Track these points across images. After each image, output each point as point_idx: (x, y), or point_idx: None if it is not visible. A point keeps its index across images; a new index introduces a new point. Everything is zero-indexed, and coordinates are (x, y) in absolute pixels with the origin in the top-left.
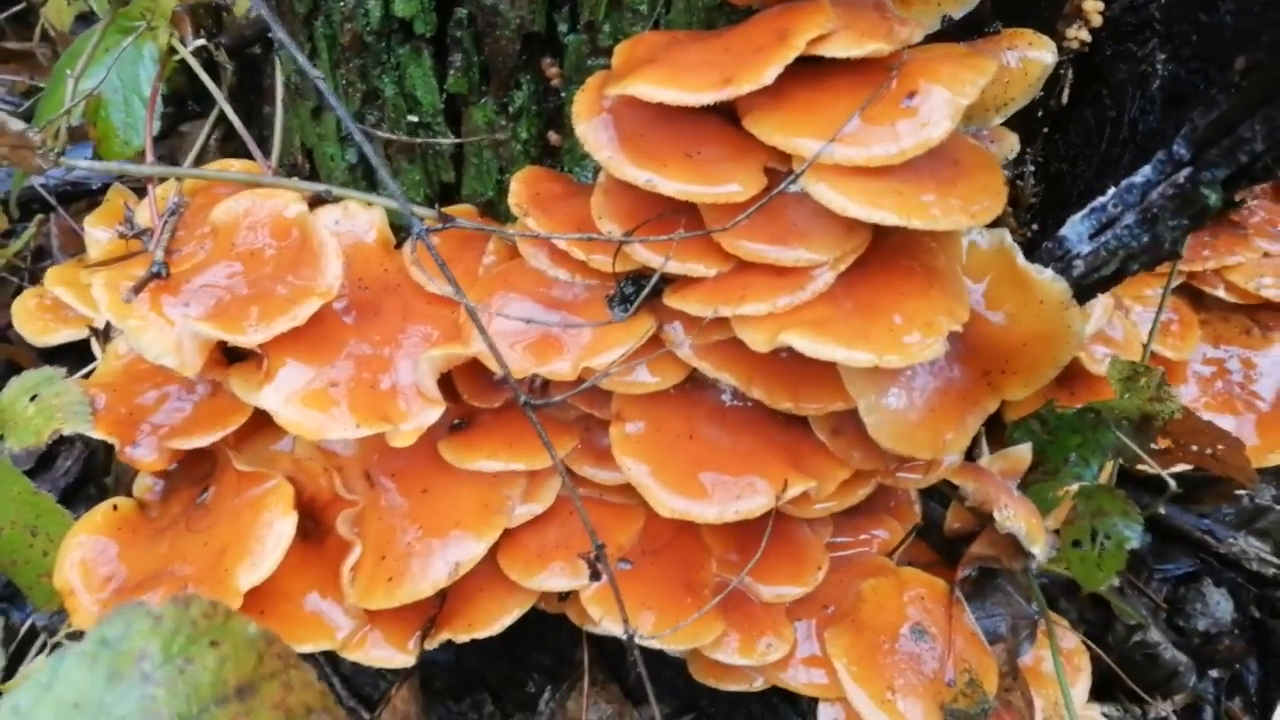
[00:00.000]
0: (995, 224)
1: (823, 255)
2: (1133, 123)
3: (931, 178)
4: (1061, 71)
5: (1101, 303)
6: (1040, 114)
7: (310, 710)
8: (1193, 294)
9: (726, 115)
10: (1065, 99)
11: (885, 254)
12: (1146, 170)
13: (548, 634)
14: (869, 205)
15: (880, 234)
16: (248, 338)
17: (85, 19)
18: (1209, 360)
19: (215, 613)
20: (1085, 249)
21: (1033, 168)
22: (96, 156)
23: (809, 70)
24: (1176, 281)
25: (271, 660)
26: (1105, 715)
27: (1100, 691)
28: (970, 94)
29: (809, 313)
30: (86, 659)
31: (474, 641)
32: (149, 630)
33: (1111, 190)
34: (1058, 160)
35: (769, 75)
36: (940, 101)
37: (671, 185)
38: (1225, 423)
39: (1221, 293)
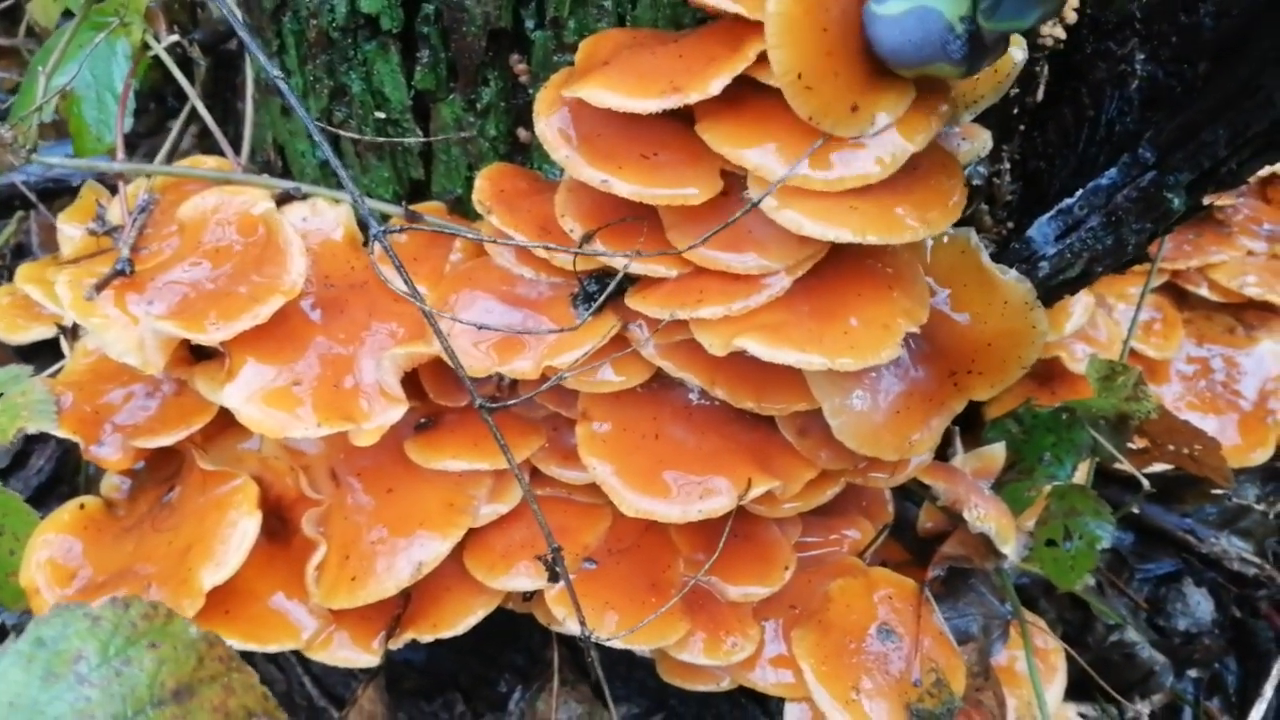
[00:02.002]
0: (970, 221)
1: (777, 263)
2: (1110, 123)
3: (889, 190)
4: (1037, 69)
5: (1083, 302)
6: (1016, 111)
7: (250, 714)
8: (1177, 293)
9: (686, 118)
10: (1041, 96)
11: (846, 255)
12: (1112, 173)
13: (521, 633)
14: (824, 223)
15: None
16: (209, 335)
17: (71, 15)
18: (1192, 359)
19: (155, 614)
20: (1051, 250)
21: (1009, 165)
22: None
23: (767, 84)
24: (1160, 280)
25: (212, 663)
26: (1081, 715)
27: (1079, 691)
28: (920, 142)
29: (765, 316)
30: (23, 659)
31: (446, 641)
32: (86, 631)
33: (1079, 192)
34: (1035, 158)
35: (715, 87)
36: (888, 143)
37: (627, 187)
38: (1208, 422)
39: (1205, 291)
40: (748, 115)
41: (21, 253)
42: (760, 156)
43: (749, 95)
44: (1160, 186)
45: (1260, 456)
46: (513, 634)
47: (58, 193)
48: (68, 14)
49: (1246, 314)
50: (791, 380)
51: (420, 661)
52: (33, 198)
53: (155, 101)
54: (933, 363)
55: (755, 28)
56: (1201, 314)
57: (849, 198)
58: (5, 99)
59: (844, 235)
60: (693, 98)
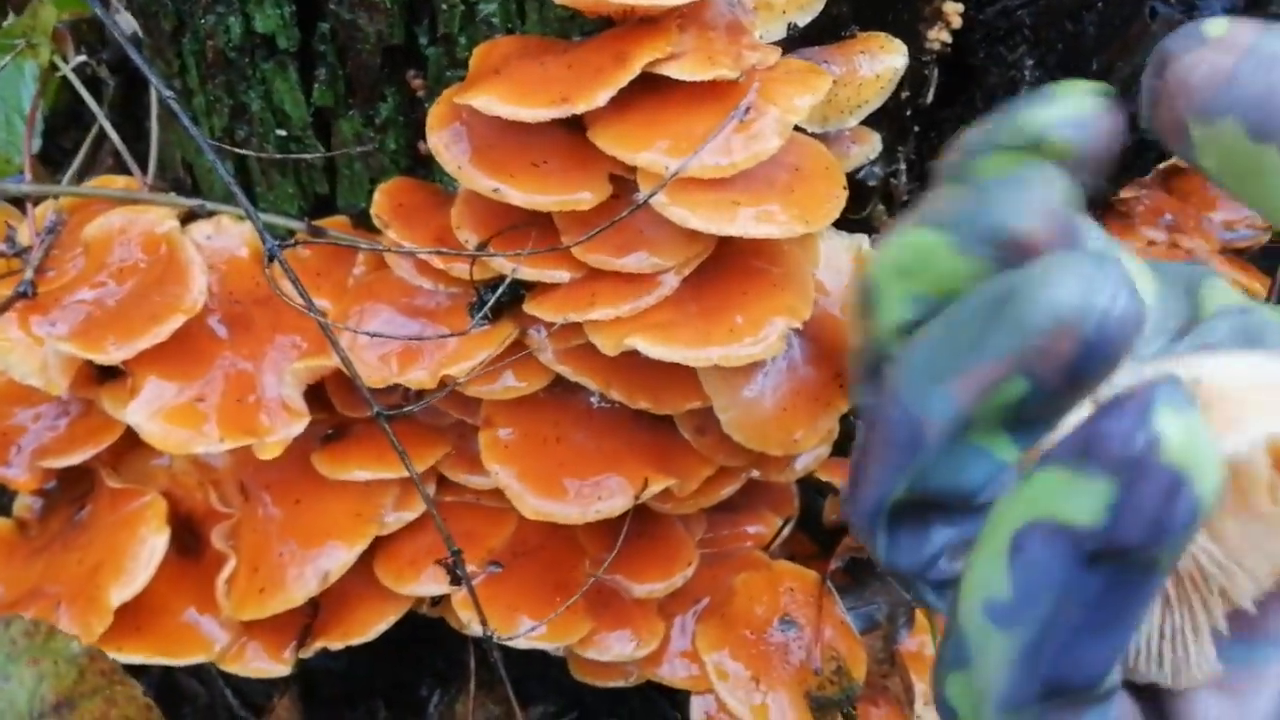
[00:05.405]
0: (867, 222)
1: (667, 261)
2: None
3: (770, 187)
4: (927, 72)
5: None
6: (910, 113)
7: None
8: None
9: (575, 126)
10: (931, 99)
11: (734, 256)
12: None
13: (441, 638)
14: (709, 219)
15: (728, 237)
16: (109, 355)
17: None
18: None
19: (36, 631)
20: None
21: (905, 165)
22: None
23: (654, 84)
24: None
25: (94, 676)
26: None
27: None
28: (801, 111)
29: (654, 316)
30: None
31: (366, 647)
32: None
33: None
34: (933, 158)
35: (602, 98)
36: (771, 119)
37: (519, 195)
38: None
39: None
40: (637, 119)
41: None
42: (653, 156)
43: (635, 100)
44: None
45: None
46: (433, 639)
47: None
48: None
49: None
50: (685, 379)
51: (340, 668)
52: None
53: (74, 120)
54: (820, 364)
55: (640, 38)
56: None
57: (733, 194)
58: None
59: (726, 228)
60: (581, 108)
